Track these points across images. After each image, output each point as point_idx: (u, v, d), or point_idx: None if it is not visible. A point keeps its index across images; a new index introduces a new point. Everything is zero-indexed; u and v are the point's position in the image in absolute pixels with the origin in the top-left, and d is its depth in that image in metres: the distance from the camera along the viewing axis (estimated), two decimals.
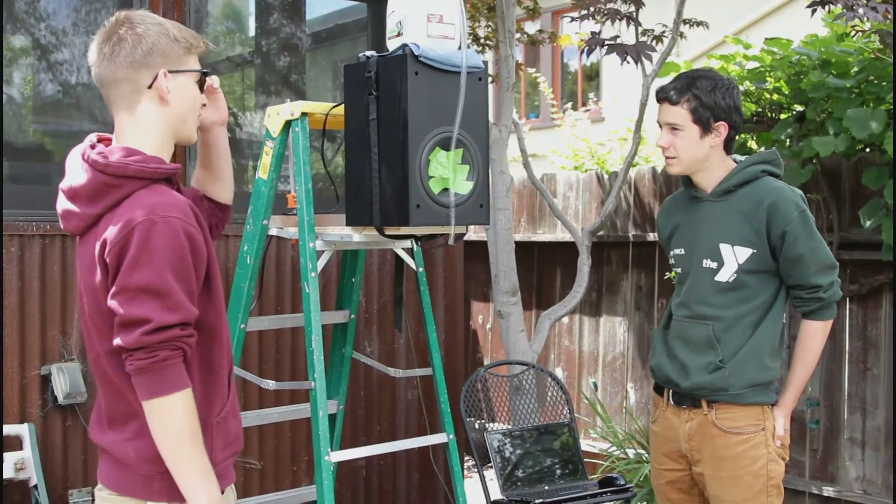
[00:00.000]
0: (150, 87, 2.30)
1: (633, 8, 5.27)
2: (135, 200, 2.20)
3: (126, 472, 2.28)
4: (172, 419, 2.15)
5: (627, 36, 5.23)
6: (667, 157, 3.29)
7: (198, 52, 2.38)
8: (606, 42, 5.01)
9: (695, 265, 3.28)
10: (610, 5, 5.29)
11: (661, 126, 3.30)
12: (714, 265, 3.22)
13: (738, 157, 3.33)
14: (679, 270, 3.38)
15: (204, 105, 2.45)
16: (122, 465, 2.28)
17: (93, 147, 2.31)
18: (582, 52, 5.09)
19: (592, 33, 5.10)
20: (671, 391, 3.34)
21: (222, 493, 2.36)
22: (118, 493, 2.30)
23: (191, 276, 2.19)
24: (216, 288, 2.32)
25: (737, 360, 3.17)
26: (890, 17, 4.69)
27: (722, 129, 3.23)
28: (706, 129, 3.21)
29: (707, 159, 3.25)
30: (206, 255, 2.25)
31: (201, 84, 2.39)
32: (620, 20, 5.18)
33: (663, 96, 3.25)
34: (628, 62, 4.99)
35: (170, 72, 2.30)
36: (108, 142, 2.38)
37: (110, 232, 2.18)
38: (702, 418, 3.24)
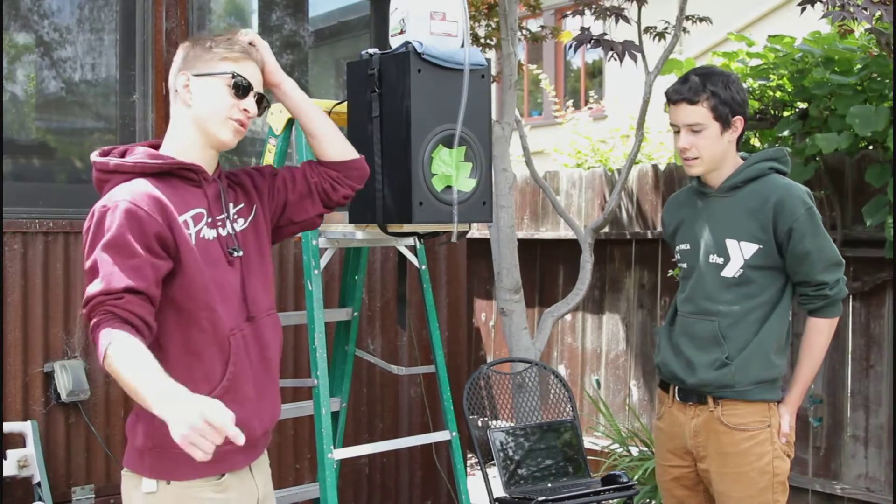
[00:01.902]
0: (178, 91, 2.52)
1: (631, 5, 5.27)
2: (111, 191, 2.39)
3: (131, 449, 2.44)
4: (113, 368, 2.21)
5: (631, 35, 5.23)
6: (687, 159, 3.25)
7: (234, 58, 2.51)
8: (594, 38, 5.01)
9: (701, 260, 3.28)
10: (608, 3, 5.29)
11: (675, 128, 3.26)
12: (720, 260, 3.22)
13: (745, 154, 3.33)
14: (684, 266, 3.37)
15: (247, 111, 2.52)
16: (129, 443, 2.45)
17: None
18: (570, 47, 5.09)
19: (582, 29, 5.10)
20: (677, 387, 3.33)
21: (222, 475, 2.45)
22: (128, 469, 2.46)
23: (133, 251, 2.28)
24: (188, 271, 2.38)
25: (743, 357, 3.17)
26: (881, 17, 4.67)
27: (738, 123, 3.23)
28: (726, 124, 3.20)
29: (725, 156, 3.25)
30: (159, 238, 2.32)
31: (240, 88, 2.50)
32: (610, 16, 5.17)
33: (680, 97, 3.20)
34: (615, 58, 4.99)
35: (194, 75, 2.48)
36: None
37: (86, 221, 2.38)
38: (707, 415, 3.24)
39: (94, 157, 2.49)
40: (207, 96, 2.47)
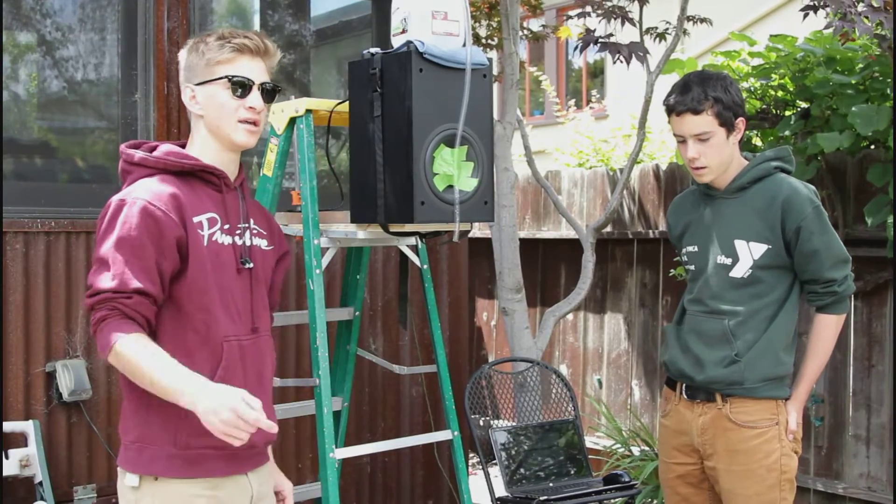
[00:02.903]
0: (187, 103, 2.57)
1: (634, 5, 5.26)
2: (132, 185, 2.43)
3: (121, 446, 2.49)
4: (123, 364, 2.31)
5: (632, 35, 5.22)
6: (697, 168, 3.24)
7: (226, 60, 2.50)
8: (600, 40, 5.01)
9: (709, 262, 3.28)
10: (610, 2, 5.29)
11: (680, 138, 3.25)
12: (729, 261, 3.23)
13: (748, 155, 3.33)
14: (692, 267, 3.37)
15: (253, 108, 2.51)
16: (122, 439, 2.49)
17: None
18: (576, 48, 5.09)
19: (587, 30, 5.09)
20: (684, 385, 3.34)
21: (195, 477, 2.44)
22: (119, 465, 2.50)
23: (146, 253, 2.35)
24: (192, 271, 2.42)
25: (752, 354, 3.18)
26: (881, 24, 4.67)
27: (741, 124, 3.24)
28: (731, 128, 3.20)
29: (732, 158, 3.25)
30: (173, 239, 2.39)
31: (239, 87, 2.50)
32: (616, 19, 5.17)
33: (684, 108, 3.18)
34: (621, 61, 4.98)
35: (196, 85, 2.52)
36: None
37: (103, 210, 2.42)
38: (716, 412, 3.25)
39: (123, 147, 2.54)
40: (212, 103, 2.50)
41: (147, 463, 2.41)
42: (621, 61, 4.99)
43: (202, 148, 2.54)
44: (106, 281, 2.31)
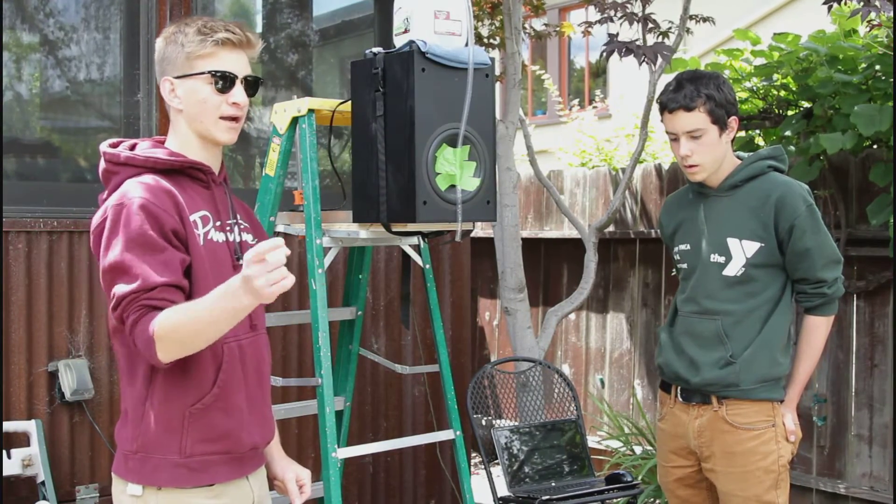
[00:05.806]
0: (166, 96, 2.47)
1: (644, 6, 5.25)
2: (122, 187, 2.34)
3: (118, 453, 2.44)
4: (174, 338, 2.18)
5: (632, 34, 5.21)
6: (689, 166, 3.25)
7: (207, 54, 2.41)
8: (625, 46, 4.98)
9: (702, 260, 3.28)
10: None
11: (673, 136, 3.25)
12: (722, 259, 3.23)
13: (741, 154, 3.34)
14: (685, 266, 3.37)
15: (237, 104, 2.44)
16: (118, 447, 2.44)
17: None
18: (602, 54, 5.06)
19: (610, 35, 5.08)
20: (679, 388, 3.34)
21: (200, 485, 2.39)
22: (115, 473, 2.44)
23: (158, 245, 2.25)
24: (195, 272, 2.34)
25: (748, 355, 3.18)
26: None
27: (734, 123, 3.25)
28: (723, 126, 3.21)
29: (724, 157, 3.26)
30: (172, 229, 2.29)
31: (223, 81, 2.42)
32: (638, 22, 5.16)
33: (677, 105, 3.19)
34: (647, 63, 4.95)
35: (175, 77, 2.43)
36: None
37: (95, 218, 2.34)
38: (712, 414, 3.25)
39: (105, 147, 2.44)
40: (193, 99, 2.42)
41: (151, 473, 2.35)
42: (647, 63, 4.95)
43: (184, 144, 2.45)
44: (126, 285, 2.20)
